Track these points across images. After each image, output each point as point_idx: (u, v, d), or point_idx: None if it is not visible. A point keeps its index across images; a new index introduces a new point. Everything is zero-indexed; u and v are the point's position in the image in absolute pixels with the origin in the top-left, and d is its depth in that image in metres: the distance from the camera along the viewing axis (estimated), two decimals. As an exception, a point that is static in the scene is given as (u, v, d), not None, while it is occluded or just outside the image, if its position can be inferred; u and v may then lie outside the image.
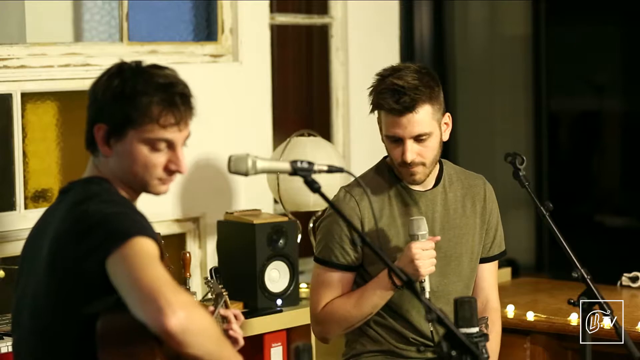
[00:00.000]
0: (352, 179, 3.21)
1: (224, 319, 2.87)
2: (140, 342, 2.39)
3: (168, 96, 2.52)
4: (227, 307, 3.01)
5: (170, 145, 2.55)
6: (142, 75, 2.54)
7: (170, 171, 2.58)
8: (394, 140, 3.26)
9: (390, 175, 3.38)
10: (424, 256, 3.16)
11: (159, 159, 2.55)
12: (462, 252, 3.39)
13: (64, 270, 2.47)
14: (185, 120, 2.56)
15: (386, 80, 3.25)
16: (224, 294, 3.06)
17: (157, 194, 2.61)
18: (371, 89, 3.31)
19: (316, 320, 3.37)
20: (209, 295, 3.12)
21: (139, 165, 2.54)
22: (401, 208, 3.35)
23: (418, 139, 3.23)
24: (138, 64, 2.58)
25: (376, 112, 3.32)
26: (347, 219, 2.64)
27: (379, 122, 3.32)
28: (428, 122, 3.23)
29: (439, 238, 3.27)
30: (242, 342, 2.84)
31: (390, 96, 3.21)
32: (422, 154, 3.25)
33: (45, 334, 2.52)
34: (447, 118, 3.33)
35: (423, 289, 3.19)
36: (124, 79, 2.53)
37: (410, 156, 3.23)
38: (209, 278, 3.14)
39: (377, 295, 3.24)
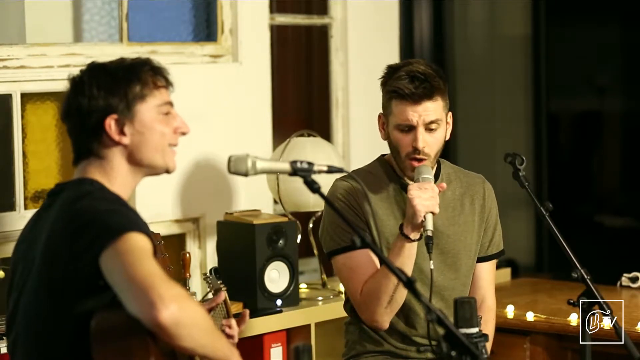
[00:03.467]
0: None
1: (224, 314, 2.90)
2: (135, 339, 2.40)
3: (150, 65, 2.64)
4: (227, 304, 3.01)
5: (171, 109, 2.66)
6: (115, 62, 2.64)
7: (179, 134, 2.67)
8: (404, 130, 3.27)
9: (389, 171, 3.40)
10: (421, 195, 3.15)
11: (169, 125, 2.64)
12: (460, 249, 3.40)
13: (59, 269, 2.48)
14: (171, 82, 2.68)
15: (402, 69, 3.29)
16: (222, 289, 3.07)
17: (170, 169, 2.66)
18: (384, 78, 3.34)
19: (360, 308, 3.32)
20: (210, 295, 3.11)
21: (157, 135, 2.61)
22: (400, 202, 3.35)
23: (429, 127, 3.26)
24: (94, 61, 2.67)
25: (379, 106, 3.33)
26: (344, 215, 2.64)
27: (386, 115, 3.32)
28: (440, 112, 3.28)
29: (444, 185, 3.27)
30: (235, 340, 2.87)
31: (410, 82, 3.25)
32: (430, 144, 3.27)
33: (40, 333, 2.52)
34: (449, 117, 3.36)
35: (424, 228, 3.15)
36: (106, 70, 2.61)
37: (421, 143, 3.25)
38: (208, 274, 3.14)
39: (394, 253, 3.20)
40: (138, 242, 2.41)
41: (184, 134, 2.67)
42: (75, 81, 2.62)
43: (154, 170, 2.66)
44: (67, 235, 2.48)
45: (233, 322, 2.91)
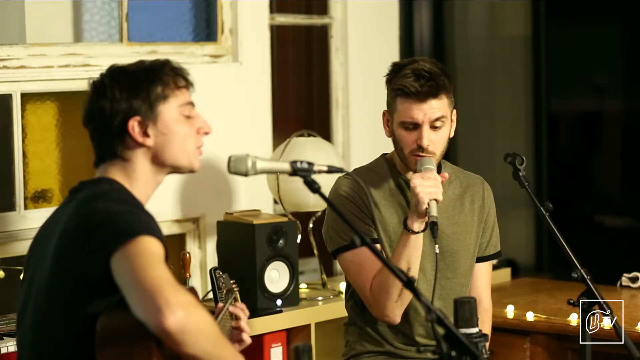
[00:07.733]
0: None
1: (232, 316, 2.88)
2: (138, 343, 2.39)
3: (170, 65, 2.65)
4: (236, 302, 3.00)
5: (192, 110, 2.67)
6: (134, 65, 2.65)
7: (202, 134, 2.70)
8: (409, 127, 3.28)
9: (392, 168, 3.40)
10: (423, 183, 3.16)
11: (192, 126, 2.67)
12: (460, 249, 3.40)
13: (69, 268, 2.48)
14: (191, 82, 2.69)
15: (408, 66, 3.29)
16: (235, 289, 3.06)
17: (195, 169, 2.69)
18: (389, 76, 3.34)
19: (370, 303, 3.31)
20: (223, 293, 3.09)
21: (181, 137, 2.64)
22: (402, 200, 3.36)
23: (434, 125, 3.27)
24: (114, 64, 2.67)
25: (384, 104, 3.34)
26: (343, 214, 2.64)
27: (391, 113, 3.32)
28: (445, 110, 3.29)
29: (446, 175, 3.28)
30: (248, 340, 2.86)
31: (416, 79, 3.25)
32: (435, 143, 3.28)
33: (47, 332, 2.53)
34: (454, 115, 3.37)
35: (429, 213, 3.15)
36: (126, 72, 2.62)
37: (426, 141, 3.25)
38: (221, 273, 3.13)
39: (400, 245, 3.21)
40: (149, 246, 2.41)
41: (206, 133, 2.70)
42: (96, 85, 2.62)
43: (179, 170, 2.69)
44: (80, 234, 2.48)
45: (243, 323, 2.90)
